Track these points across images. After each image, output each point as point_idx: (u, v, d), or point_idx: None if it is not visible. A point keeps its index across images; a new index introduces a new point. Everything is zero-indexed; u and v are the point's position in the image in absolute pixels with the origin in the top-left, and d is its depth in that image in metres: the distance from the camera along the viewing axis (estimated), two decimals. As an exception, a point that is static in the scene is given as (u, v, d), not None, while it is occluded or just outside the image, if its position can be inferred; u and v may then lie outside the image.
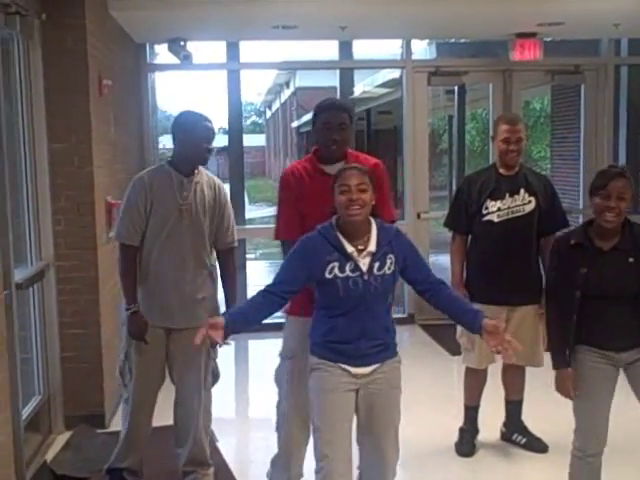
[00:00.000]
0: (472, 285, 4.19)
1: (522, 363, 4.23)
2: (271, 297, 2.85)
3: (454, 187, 10.69)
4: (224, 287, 3.81)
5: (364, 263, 2.84)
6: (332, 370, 2.88)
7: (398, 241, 2.94)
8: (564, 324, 3.16)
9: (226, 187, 4.01)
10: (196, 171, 3.68)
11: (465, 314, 2.95)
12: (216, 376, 3.86)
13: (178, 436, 3.83)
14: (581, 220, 7.76)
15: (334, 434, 2.88)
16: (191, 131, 3.59)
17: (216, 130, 3.74)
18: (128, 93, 6.30)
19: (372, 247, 2.86)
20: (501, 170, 4.15)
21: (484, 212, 4.09)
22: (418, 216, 7.38)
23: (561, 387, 3.27)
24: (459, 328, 4.21)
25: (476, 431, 4.36)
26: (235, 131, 7.83)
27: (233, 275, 3.84)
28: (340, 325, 2.87)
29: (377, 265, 2.85)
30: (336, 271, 2.81)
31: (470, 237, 4.24)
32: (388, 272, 2.86)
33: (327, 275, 2.82)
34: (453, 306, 2.97)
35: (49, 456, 4.19)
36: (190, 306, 3.64)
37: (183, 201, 3.60)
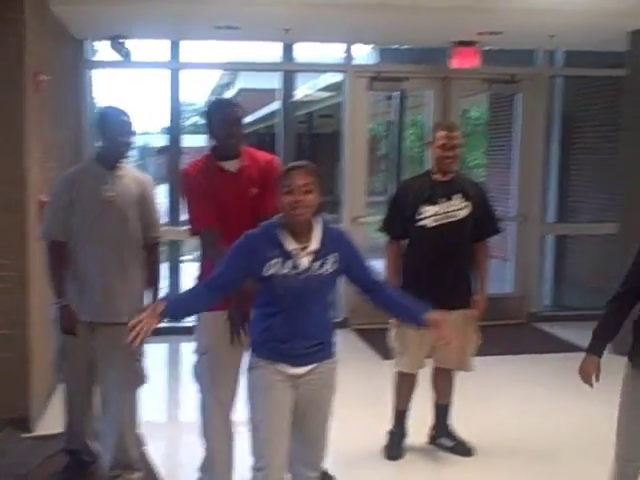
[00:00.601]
0: (406, 290, 4.22)
1: (452, 367, 4.31)
2: (211, 289, 2.89)
3: (391, 192, 10.82)
4: (148, 281, 3.84)
5: (304, 261, 2.83)
6: (268, 369, 2.89)
7: (342, 241, 2.95)
8: (618, 316, 3.25)
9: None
10: (120, 165, 3.73)
11: (409, 309, 3.03)
12: (143, 378, 3.85)
13: (102, 437, 3.83)
14: (515, 227, 7.97)
15: (271, 433, 2.88)
16: (108, 126, 3.68)
17: (135, 127, 3.81)
18: (66, 90, 6.19)
19: (314, 246, 2.85)
20: (436, 176, 4.21)
21: (419, 217, 4.14)
22: (354, 220, 7.44)
23: (584, 371, 3.21)
24: (392, 332, 4.27)
25: (405, 434, 4.43)
26: (175, 131, 7.77)
27: (157, 269, 3.90)
28: (277, 324, 2.87)
29: (317, 264, 2.84)
30: (275, 269, 2.81)
31: (406, 242, 4.29)
32: (328, 271, 2.86)
33: (266, 272, 2.81)
34: (396, 303, 3.04)
35: (-28, 460, 4.09)
36: (114, 300, 3.66)
37: (106, 194, 3.65)
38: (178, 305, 2.92)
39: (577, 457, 4.40)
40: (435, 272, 4.13)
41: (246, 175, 3.52)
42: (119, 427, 3.75)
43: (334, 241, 2.90)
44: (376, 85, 7.57)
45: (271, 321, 2.88)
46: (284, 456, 2.91)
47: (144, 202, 3.77)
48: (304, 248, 2.84)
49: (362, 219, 7.54)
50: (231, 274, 2.89)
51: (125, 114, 3.75)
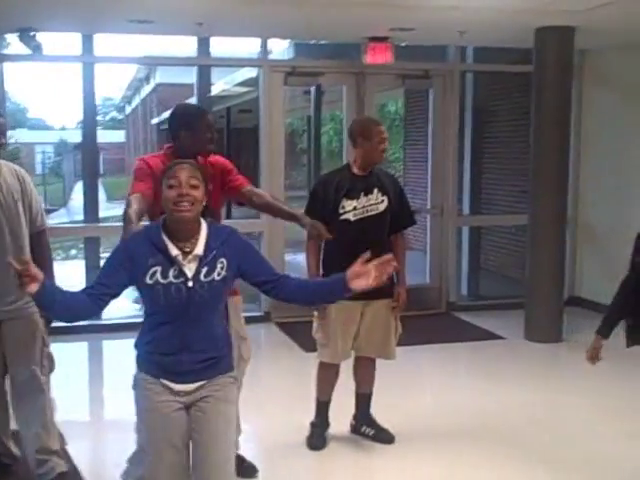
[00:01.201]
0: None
1: (374, 355, 4.38)
2: (91, 297, 2.58)
3: (311, 187, 10.89)
4: (42, 267, 3.64)
5: (189, 268, 2.58)
6: (153, 387, 2.65)
7: (232, 243, 2.69)
8: (622, 301, 3.62)
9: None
10: None
11: (323, 285, 2.83)
12: (52, 362, 3.82)
13: (24, 422, 3.76)
14: (428, 220, 8.13)
15: (159, 460, 2.65)
16: None
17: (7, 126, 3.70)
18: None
19: (199, 250, 2.60)
20: (355, 170, 4.28)
21: (340, 211, 4.19)
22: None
23: (590, 351, 3.65)
24: (315, 324, 4.31)
25: (327, 425, 4.47)
26: (89, 127, 7.62)
27: (46, 257, 3.80)
28: (161, 335, 2.63)
29: (205, 270, 2.60)
30: (158, 276, 2.56)
31: None
32: (217, 278, 2.61)
33: (148, 280, 2.56)
34: (306, 288, 2.80)
35: None
36: (13, 296, 3.58)
37: None
38: (57, 290, 2.54)
39: (496, 441, 4.52)
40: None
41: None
42: (42, 413, 3.73)
43: (222, 244, 2.65)
44: (292, 80, 7.59)
45: (156, 333, 2.64)
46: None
47: (26, 195, 3.71)
48: (188, 252, 2.60)
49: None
50: (111, 282, 2.60)
51: None
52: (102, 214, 8.13)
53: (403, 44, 7.46)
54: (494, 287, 9.19)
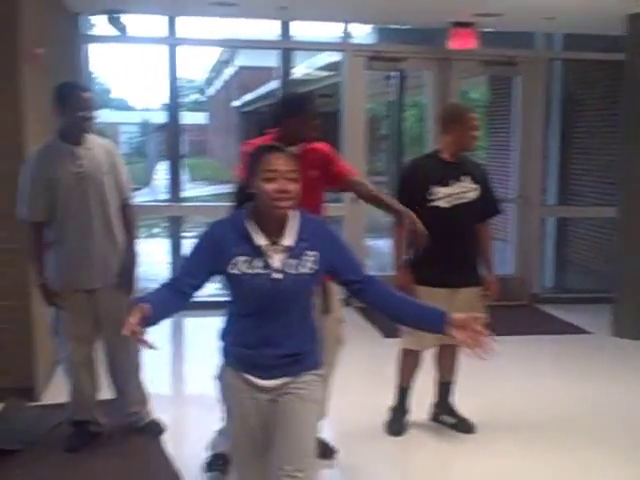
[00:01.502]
0: (417, 268, 4.22)
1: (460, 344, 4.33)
2: (176, 291, 2.46)
3: (393, 173, 10.82)
4: (127, 235, 4.05)
5: (277, 259, 2.45)
6: (236, 382, 2.56)
7: (323, 235, 2.55)
8: None
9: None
10: (85, 139, 3.87)
11: (417, 310, 2.55)
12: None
13: (121, 384, 4.14)
14: (513, 209, 7.98)
15: (240, 453, 2.63)
16: (66, 101, 3.78)
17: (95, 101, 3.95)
18: (63, 63, 6.16)
19: (289, 241, 2.47)
20: (446, 157, 4.22)
21: (431, 197, 4.15)
22: (354, 200, 7.41)
23: None
24: None
25: (406, 411, 4.46)
26: (173, 108, 7.75)
27: (134, 226, 4.09)
28: (244, 327, 2.52)
29: (292, 262, 2.46)
30: (242, 266, 2.44)
31: None
32: (306, 271, 2.47)
33: (231, 270, 2.45)
34: (397, 303, 2.56)
35: (-21, 430, 4.13)
36: (102, 266, 3.90)
37: (77, 169, 3.80)
38: (159, 310, 2.36)
39: (576, 435, 4.44)
40: (446, 251, 4.14)
41: (307, 158, 3.50)
42: (134, 368, 4.14)
43: (313, 236, 2.51)
44: (375, 65, 7.54)
45: (239, 325, 2.54)
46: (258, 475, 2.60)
47: (114, 168, 3.96)
48: (276, 243, 2.47)
49: (362, 198, 7.51)
50: (195, 272, 2.50)
51: (82, 88, 3.89)
52: (185, 194, 8.27)
53: (488, 30, 7.31)
54: (579, 280, 8.98)
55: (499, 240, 9.03)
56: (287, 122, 3.66)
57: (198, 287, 2.51)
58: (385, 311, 2.57)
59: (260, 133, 3.78)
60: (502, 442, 4.31)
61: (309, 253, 2.48)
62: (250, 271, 2.44)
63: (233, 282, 2.47)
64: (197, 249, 2.53)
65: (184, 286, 2.47)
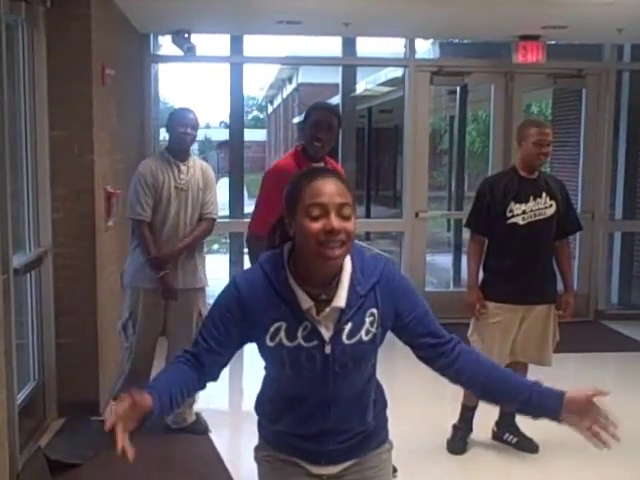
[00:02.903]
0: (490, 285, 4.21)
1: (529, 361, 4.27)
2: (197, 369, 1.90)
3: (453, 187, 10.74)
4: (190, 237, 4.37)
5: (326, 326, 1.84)
6: (283, 466, 2.01)
7: (387, 284, 1.90)
8: None
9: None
10: (188, 157, 4.40)
11: (521, 391, 1.92)
12: None
13: None
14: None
15: None
16: (170, 120, 4.38)
17: (197, 122, 4.46)
18: (131, 83, 6.30)
19: (341, 299, 1.84)
20: (523, 173, 4.17)
21: (509, 215, 4.12)
22: (416, 215, 7.38)
23: None
24: (471, 325, 4.23)
25: (470, 430, 4.38)
26: (236, 125, 7.84)
27: (199, 234, 4.41)
28: (291, 416, 1.94)
29: (348, 328, 1.85)
30: (282, 336, 1.84)
31: (488, 239, 4.26)
32: (365, 338, 1.86)
33: (269, 341, 1.85)
34: (495, 381, 1.94)
35: (43, 442, 4.20)
36: (189, 269, 4.37)
37: (179, 182, 4.31)
38: (169, 402, 1.82)
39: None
40: (522, 269, 4.12)
41: None
42: None
43: (372, 288, 1.88)
44: (438, 80, 7.50)
45: (284, 409, 1.96)
46: None
47: (206, 187, 4.41)
48: (325, 303, 1.85)
49: (424, 214, 7.47)
50: (221, 348, 1.90)
51: (186, 110, 4.43)
52: (245, 210, 8.35)
53: (552, 42, 7.20)
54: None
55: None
56: (304, 134, 3.65)
57: (223, 366, 1.95)
58: (478, 393, 2.03)
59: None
60: (566, 461, 4.20)
61: (368, 312, 1.87)
62: (291, 343, 1.84)
63: (271, 356, 1.90)
64: (220, 317, 1.90)
65: (205, 368, 1.91)
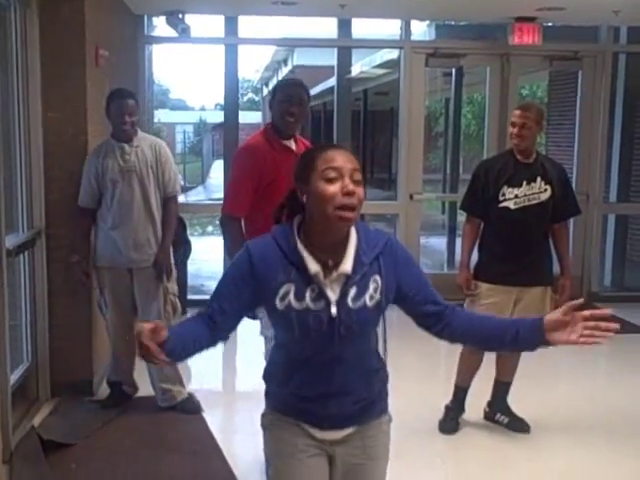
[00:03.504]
0: (484, 266, 4.24)
1: None
2: (211, 327, 2.02)
3: (448, 170, 10.74)
4: (162, 229, 4.43)
5: (333, 289, 1.96)
6: (288, 429, 2.11)
7: (390, 256, 2.03)
8: None
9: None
10: (136, 137, 4.38)
11: (507, 329, 2.06)
12: (175, 310, 4.52)
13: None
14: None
15: None
16: (108, 106, 4.34)
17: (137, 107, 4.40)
18: (125, 65, 6.27)
19: (347, 266, 1.96)
20: (518, 157, 4.17)
21: (501, 198, 4.12)
22: (411, 197, 7.38)
23: None
24: (465, 306, 4.25)
25: (462, 410, 4.41)
26: (231, 107, 7.80)
27: (171, 221, 4.48)
28: (300, 378, 2.05)
29: (353, 292, 1.96)
30: (290, 299, 1.95)
31: (483, 221, 4.27)
32: (370, 303, 1.98)
33: (278, 304, 1.96)
34: (482, 329, 2.11)
35: (36, 422, 4.21)
36: (143, 249, 4.36)
37: (125, 163, 4.31)
38: (181, 347, 1.98)
39: (634, 436, 4.35)
40: (514, 252, 4.13)
41: None
42: None
43: (376, 257, 2.01)
44: (433, 62, 7.47)
45: (292, 371, 2.07)
46: None
47: (159, 164, 4.39)
48: (332, 269, 1.96)
49: (418, 196, 7.48)
50: (232, 309, 2.02)
51: (123, 95, 4.36)
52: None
53: (548, 24, 7.17)
54: (638, 278, 8.75)
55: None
56: (273, 112, 3.60)
57: (235, 326, 2.08)
58: (471, 343, 2.23)
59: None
60: (557, 442, 4.23)
61: (372, 279, 1.99)
62: (300, 305, 1.95)
63: (279, 319, 2.01)
64: (232, 279, 2.04)
65: (217, 327, 2.03)
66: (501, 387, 4.43)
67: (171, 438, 4.18)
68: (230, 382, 5.58)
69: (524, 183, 4.12)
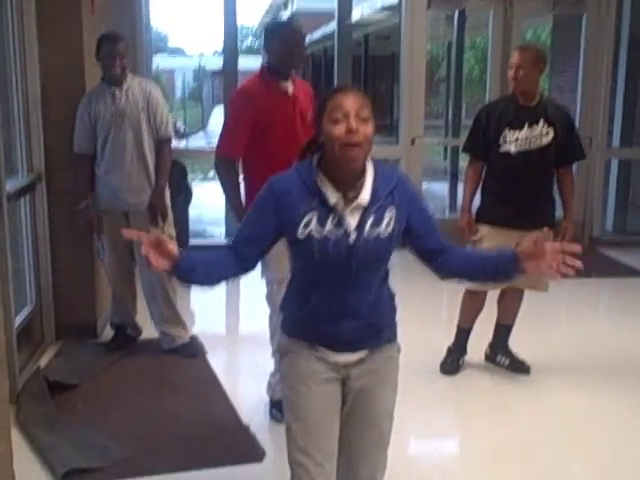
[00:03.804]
0: (486, 208, 4.24)
1: (524, 287, 4.27)
2: (237, 262, 2.19)
3: (450, 115, 10.65)
4: (156, 172, 4.42)
5: (352, 219, 2.12)
6: (303, 354, 2.24)
7: (403, 191, 2.20)
8: None
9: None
10: (126, 81, 4.35)
11: (490, 262, 2.26)
12: None
13: (147, 295, 4.52)
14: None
15: (310, 438, 2.22)
16: (100, 49, 4.29)
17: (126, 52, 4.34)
18: (122, 9, 6.18)
19: (365, 197, 2.12)
20: (520, 100, 4.12)
21: (502, 142, 4.09)
22: (412, 142, 7.32)
23: None
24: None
25: (464, 352, 4.45)
26: (230, 53, 7.70)
27: (164, 164, 4.47)
28: (316, 298, 2.20)
29: (370, 222, 2.12)
30: (313, 227, 2.10)
31: (486, 165, 4.25)
32: (384, 232, 2.13)
33: (300, 232, 2.11)
34: (472, 264, 2.31)
35: (42, 363, 4.26)
36: (137, 193, 4.36)
37: (116, 108, 4.29)
38: (205, 271, 2.16)
39: (633, 377, 4.38)
40: (516, 195, 4.11)
41: (301, 98, 3.52)
42: (162, 284, 4.44)
43: (393, 191, 2.17)
44: (435, 3, 7.35)
45: (309, 294, 2.20)
46: (328, 466, 2.25)
47: (150, 107, 4.36)
48: (351, 200, 2.12)
49: (420, 140, 7.42)
50: (258, 237, 2.18)
51: (110, 38, 4.31)
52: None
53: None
54: (640, 223, 8.75)
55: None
56: (270, 54, 3.54)
57: (260, 256, 2.23)
58: (462, 276, 2.39)
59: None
60: (557, 383, 4.28)
61: (387, 210, 2.15)
62: (321, 233, 2.10)
63: (301, 247, 2.15)
64: (257, 211, 2.20)
65: (243, 257, 2.19)
66: (502, 330, 4.46)
67: (175, 379, 4.24)
68: (233, 325, 5.63)
69: (526, 126, 4.07)
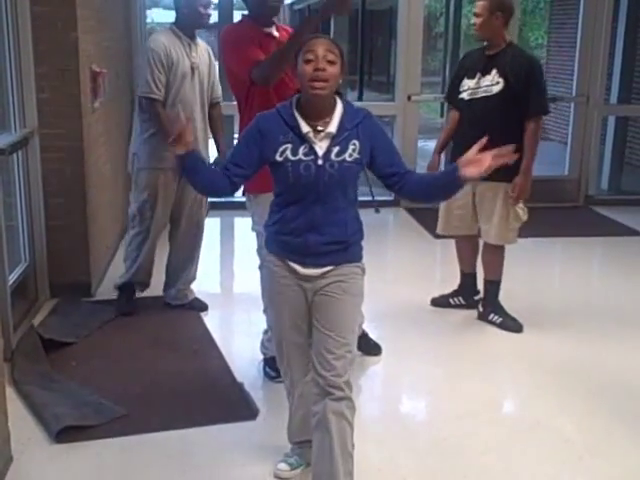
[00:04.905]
0: (452, 154, 4.38)
1: (493, 242, 4.35)
2: (227, 175, 2.59)
3: (447, 71, 10.53)
4: (215, 135, 4.52)
5: (320, 146, 2.51)
6: (278, 269, 2.63)
7: (367, 126, 2.58)
8: None
9: (215, 63, 4.48)
10: (196, 34, 4.32)
11: (438, 179, 2.72)
12: (205, 211, 4.65)
13: (184, 256, 4.58)
14: (572, 108, 7.72)
15: (283, 339, 2.71)
16: None
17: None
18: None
19: (332, 128, 2.52)
20: (487, 50, 4.19)
21: (460, 89, 4.23)
22: (409, 98, 7.26)
23: None
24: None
25: (475, 292, 4.66)
26: (225, 6, 7.59)
27: (222, 126, 4.58)
28: (289, 215, 2.57)
29: (336, 150, 2.51)
30: (288, 153, 2.51)
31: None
32: (349, 159, 2.51)
33: (278, 157, 2.52)
34: (424, 183, 2.67)
35: (36, 321, 4.26)
36: (201, 150, 4.18)
37: (192, 60, 4.24)
38: (201, 162, 2.65)
39: (624, 334, 4.43)
40: (468, 144, 4.04)
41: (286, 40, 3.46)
42: (197, 248, 4.59)
43: (356, 126, 2.55)
44: (434, -44, 7.22)
45: (283, 212, 2.59)
46: (304, 362, 2.70)
47: (212, 67, 4.42)
48: (320, 131, 2.52)
49: (417, 96, 7.36)
50: (244, 162, 2.59)
51: None
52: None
53: None
54: (637, 182, 8.73)
55: (558, 142, 8.81)
56: (247, 3, 3.53)
57: (245, 177, 2.63)
58: (418, 197, 2.72)
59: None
60: (550, 340, 4.32)
61: (351, 141, 2.53)
62: (294, 158, 2.50)
63: (279, 170, 2.54)
64: (244, 140, 2.63)
65: (232, 175, 2.59)
66: (489, 286, 4.50)
67: (170, 338, 4.25)
68: (228, 285, 5.62)
69: (478, 75, 4.13)
